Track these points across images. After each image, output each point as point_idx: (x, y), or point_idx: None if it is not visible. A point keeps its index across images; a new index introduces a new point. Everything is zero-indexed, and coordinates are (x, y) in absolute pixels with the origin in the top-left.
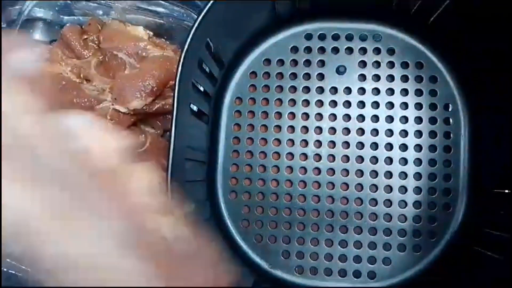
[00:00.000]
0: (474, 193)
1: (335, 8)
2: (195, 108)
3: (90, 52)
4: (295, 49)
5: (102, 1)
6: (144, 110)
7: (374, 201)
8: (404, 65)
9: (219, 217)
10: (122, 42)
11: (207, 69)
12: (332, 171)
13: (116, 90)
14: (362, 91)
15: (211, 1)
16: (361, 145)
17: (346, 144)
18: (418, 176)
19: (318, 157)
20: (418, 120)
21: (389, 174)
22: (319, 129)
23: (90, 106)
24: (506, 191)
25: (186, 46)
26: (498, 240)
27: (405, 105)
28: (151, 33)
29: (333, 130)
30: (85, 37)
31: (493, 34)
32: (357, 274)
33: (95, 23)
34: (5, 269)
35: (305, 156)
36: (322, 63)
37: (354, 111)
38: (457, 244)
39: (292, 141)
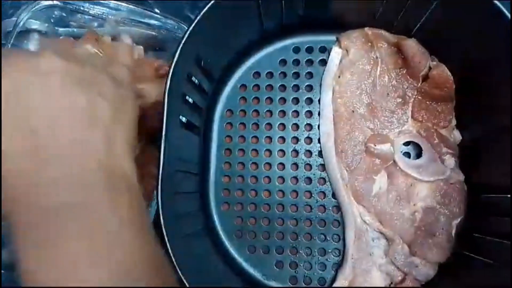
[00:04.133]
0: None
1: (320, 22)
2: (184, 119)
3: None
4: (283, 62)
5: (97, 13)
6: None
7: None
8: None
9: (212, 229)
10: None
11: (197, 82)
12: (323, 180)
13: None
14: None
15: (199, 16)
16: None
17: None
18: None
19: (309, 166)
20: None
21: None
22: (309, 139)
23: None
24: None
25: (175, 59)
26: (489, 245)
27: None
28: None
29: None
30: None
31: (475, 44)
32: None
33: (92, 35)
34: None
35: (296, 166)
36: (310, 75)
37: None
38: None
39: (283, 152)
